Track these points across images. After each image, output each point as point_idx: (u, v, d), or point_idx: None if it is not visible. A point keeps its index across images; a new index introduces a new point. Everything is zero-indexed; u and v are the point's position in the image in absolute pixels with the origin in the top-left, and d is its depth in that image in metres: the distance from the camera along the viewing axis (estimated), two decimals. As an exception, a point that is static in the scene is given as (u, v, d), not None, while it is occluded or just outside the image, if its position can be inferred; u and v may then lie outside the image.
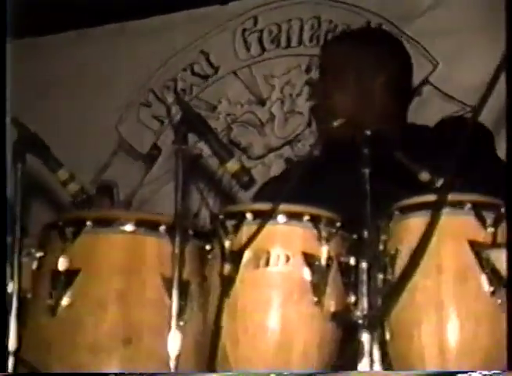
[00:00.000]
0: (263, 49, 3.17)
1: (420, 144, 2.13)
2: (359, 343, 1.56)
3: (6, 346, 1.63)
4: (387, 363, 1.59)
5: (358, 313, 1.60)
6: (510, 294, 1.10)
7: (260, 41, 3.17)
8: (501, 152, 2.31)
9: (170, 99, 3.19)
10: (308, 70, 3.08)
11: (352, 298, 1.65)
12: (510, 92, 1.23)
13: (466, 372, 1.42)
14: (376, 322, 1.58)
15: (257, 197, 2.34)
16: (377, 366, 1.55)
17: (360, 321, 1.59)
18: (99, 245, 1.70)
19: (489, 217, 1.60)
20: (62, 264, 1.67)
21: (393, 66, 2.38)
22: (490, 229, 1.59)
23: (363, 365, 1.54)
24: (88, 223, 1.69)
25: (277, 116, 3.11)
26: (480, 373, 1.40)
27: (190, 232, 1.74)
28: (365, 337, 1.56)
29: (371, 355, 1.55)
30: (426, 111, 2.81)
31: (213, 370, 1.62)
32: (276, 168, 3.02)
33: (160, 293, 1.67)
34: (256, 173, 2.96)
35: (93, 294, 1.66)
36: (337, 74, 2.36)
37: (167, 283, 1.65)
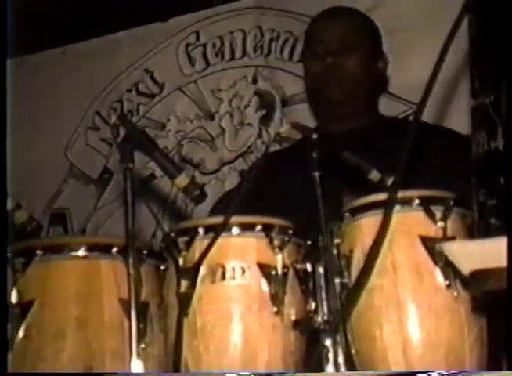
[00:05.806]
0: (207, 63, 3.16)
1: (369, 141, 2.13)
2: (323, 349, 1.55)
3: (6, 346, 1.59)
4: (352, 366, 1.58)
5: (319, 319, 1.60)
6: (509, 292, 1.10)
7: (204, 55, 3.16)
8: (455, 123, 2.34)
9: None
10: (254, 81, 3.07)
11: (312, 305, 1.64)
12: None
13: (425, 372, 1.42)
14: (338, 326, 1.57)
15: (212, 213, 2.32)
16: (343, 370, 1.54)
17: (322, 327, 1.58)
18: (52, 273, 1.67)
19: (438, 211, 1.59)
20: (13, 297, 1.64)
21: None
22: (440, 223, 1.58)
23: (329, 370, 1.54)
24: (38, 252, 1.66)
25: (227, 129, 3.09)
26: (439, 373, 1.39)
27: (144, 252, 1.71)
28: (328, 342, 1.55)
29: (336, 359, 1.54)
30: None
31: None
32: (231, 181, 3.01)
33: (120, 316, 1.64)
34: (211, 188, 2.95)
35: (50, 324, 1.63)
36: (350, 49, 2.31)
37: (126, 306, 1.62)
